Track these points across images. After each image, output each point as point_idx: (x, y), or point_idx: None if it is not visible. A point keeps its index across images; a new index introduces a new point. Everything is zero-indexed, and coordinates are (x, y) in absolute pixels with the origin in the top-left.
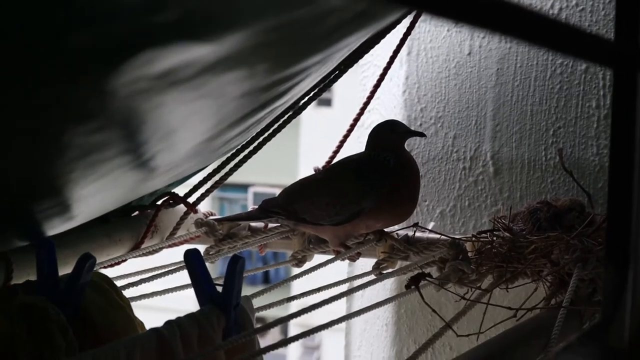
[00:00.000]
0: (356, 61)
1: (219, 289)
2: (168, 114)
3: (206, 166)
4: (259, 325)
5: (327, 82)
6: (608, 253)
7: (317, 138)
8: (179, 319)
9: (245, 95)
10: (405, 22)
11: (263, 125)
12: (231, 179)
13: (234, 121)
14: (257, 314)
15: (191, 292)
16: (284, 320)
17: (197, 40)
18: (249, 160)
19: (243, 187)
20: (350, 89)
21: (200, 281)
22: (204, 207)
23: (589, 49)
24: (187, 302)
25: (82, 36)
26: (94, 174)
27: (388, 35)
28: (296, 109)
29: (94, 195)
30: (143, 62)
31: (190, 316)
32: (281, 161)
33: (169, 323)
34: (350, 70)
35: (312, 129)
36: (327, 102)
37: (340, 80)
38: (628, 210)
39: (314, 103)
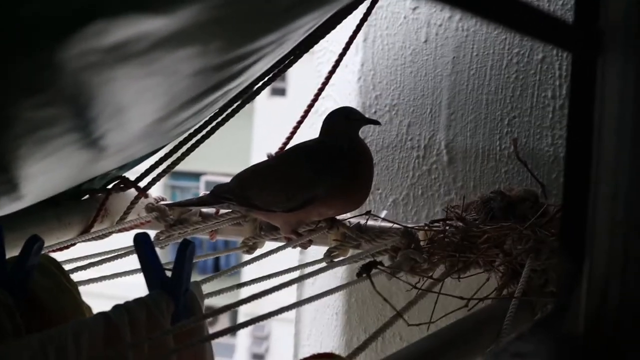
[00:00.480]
0: (312, 46)
1: (169, 274)
2: (118, 90)
3: (157, 149)
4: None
5: (281, 67)
6: (563, 239)
7: (271, 128)
8: (127, 303)
9: (198, 73)
10: (362, 8)
11: (216, 108)
12: (183, 167)
13: (185, 101)
14: (207, 303)
15: (140, 280)
16: (233, 306)
17: (149, 11)
18: (201, 149)
19: (195, 176)
20: (304, 78)
21: (149, 266)
22: (155, 194)
23: (547, 30)
24: (136, 290)
25: (33, 4)
26: (42, 151)
27: (344, 21)
28: (250, 94)
29: (42, 174)
30: (94, 33)
31: (138, 301)
32: (234, 150)
33: (117, 307)
34: (305, 60)
35: (265, 118)
36: (281, 92)
37: (294, 70)
38: (584, 196)
39: (267, 92)
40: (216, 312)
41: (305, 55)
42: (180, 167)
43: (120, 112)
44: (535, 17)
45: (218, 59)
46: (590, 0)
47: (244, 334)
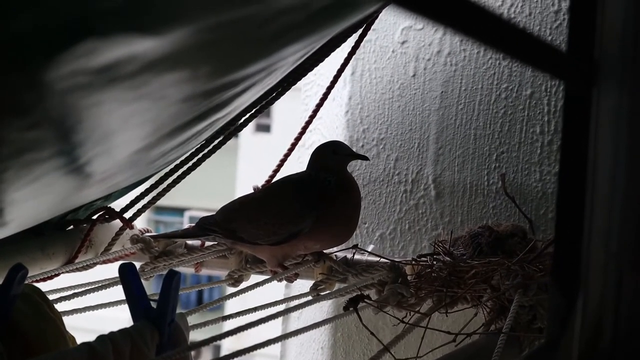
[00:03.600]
0: (299, 78)
1: (154, 305)
2: (106, 114)
3: (142, 180)
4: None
5: (269, 100)
6: (555, 273)
7: (255, 163)
8: (111, 333)
9: (187, 100)
10: (350, 42)
11: (202, 139)
12: (168, 203)
13: (173, 129)
14: (190, 337)
15: (124, 315)
16: (219, 338)
17: (139, 32)
18: (186, 185)
19: (179, 211)
20: (289, 114)
21: (134, 296)
22: (140, 226)
23: (542, 57)
24: (121, 326)
25: (21, 21)
26: (29, 175)
27: (332, 55)
28: (237, 126)
29: (27, 200)
30: (83, 53)
31: (123, 331)
32: (218, 186)
33: (101, 338)
34: (290, 96)
35: (250, 154)
36: (266, 128)
37: (279, 106)
38: (577, 230)
39: (252, 128)
40: (201, 343)
41: (291, 92)
42: (164, 202)
43: (107, 138)
44: (530, 44)
45: (206, 85)
46: (585, 31)
47: None
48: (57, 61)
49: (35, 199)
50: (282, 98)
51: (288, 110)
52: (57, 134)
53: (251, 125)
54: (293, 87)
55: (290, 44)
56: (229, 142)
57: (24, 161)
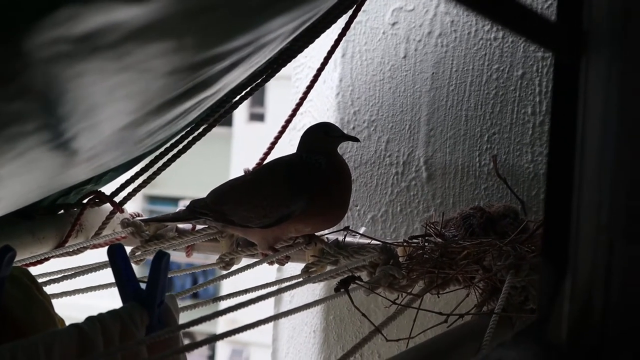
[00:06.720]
0: (289, 61)
1: (143, 286)
2: (90, 85)
3: (132, 163)
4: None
5: (258, 82)
6: (545, 247)
7: (249, 153)
8: (100, 314)
9: (173, 73)
10: (341, 23)
11: (190, 119)
12: (161, 192)
13: (160, 105)
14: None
15: (112, 305)
16: (209, 318)
17: None
18: (179, 174)
19: (173, 201)
20: (283, 103)
21: (123, 278)
22: (131, 210)
23: (531, 26)
24: None
25: None
26: (13, 150)
27: (322, 36)
28: (226, 109)
29: (14, 177)
30: (64, 20)
31: (112, 313)
32: (212, 176)
33: (89, 319)
34: (283, 84)
35: (244, 143)
36: (260, 117)
37: (273, 95)
38: (567, 203)
39: (246, 117)
40: (192, 323)
41: (284, 80)
42: (157, 192)
43: (92, 111)
44: (519, 13)
45: (192, 57)
46: (574, 1)
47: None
48: (38, 28)
49: (21, 177)
50: (275, 87)
51: (282, 99)
52: (41, 106)
53: (245, 115)
54: (286, 76)
55: (277, 16)
56: (222, 132)
57: (8, 135)
